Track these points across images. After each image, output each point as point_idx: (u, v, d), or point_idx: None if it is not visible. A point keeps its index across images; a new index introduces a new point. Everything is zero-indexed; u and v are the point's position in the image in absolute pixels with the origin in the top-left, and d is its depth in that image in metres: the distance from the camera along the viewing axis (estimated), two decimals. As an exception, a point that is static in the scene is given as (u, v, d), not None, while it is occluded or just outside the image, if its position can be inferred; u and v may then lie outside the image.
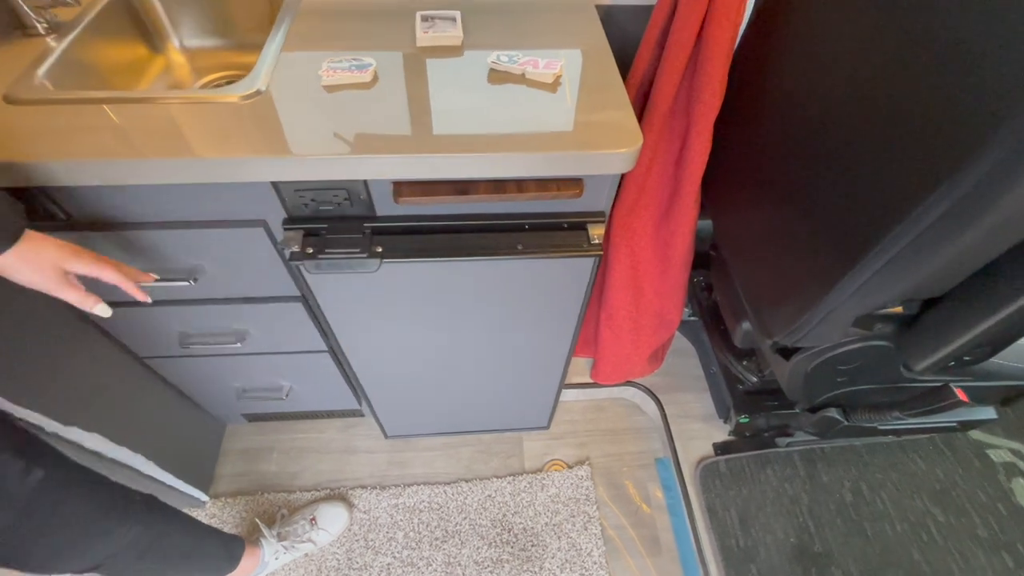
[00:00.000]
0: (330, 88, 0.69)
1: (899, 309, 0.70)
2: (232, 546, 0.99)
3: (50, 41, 0.74)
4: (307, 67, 0.71)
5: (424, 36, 0.76)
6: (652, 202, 1.01)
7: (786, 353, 0.92)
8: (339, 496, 1.23)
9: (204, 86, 0.93)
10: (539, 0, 0.88)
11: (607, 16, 1.01)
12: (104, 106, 0.65)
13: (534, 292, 0.82)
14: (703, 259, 1.26)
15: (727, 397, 1.22)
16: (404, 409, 1.19)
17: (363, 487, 1.26)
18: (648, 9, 1.00)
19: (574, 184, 0.68)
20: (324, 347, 0.99)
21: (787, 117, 0.77)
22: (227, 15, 0.92)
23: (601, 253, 0.71)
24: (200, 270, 0.77)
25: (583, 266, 0.76)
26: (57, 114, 0.63)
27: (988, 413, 1.00)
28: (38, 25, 0.74)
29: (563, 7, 0.87)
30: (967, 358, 0.65)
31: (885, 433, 1.21)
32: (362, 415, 1.36)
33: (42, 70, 0.69)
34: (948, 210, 0.51)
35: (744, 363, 1.21)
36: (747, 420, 1.19)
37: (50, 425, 0.78)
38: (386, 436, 1.32)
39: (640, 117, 0.91)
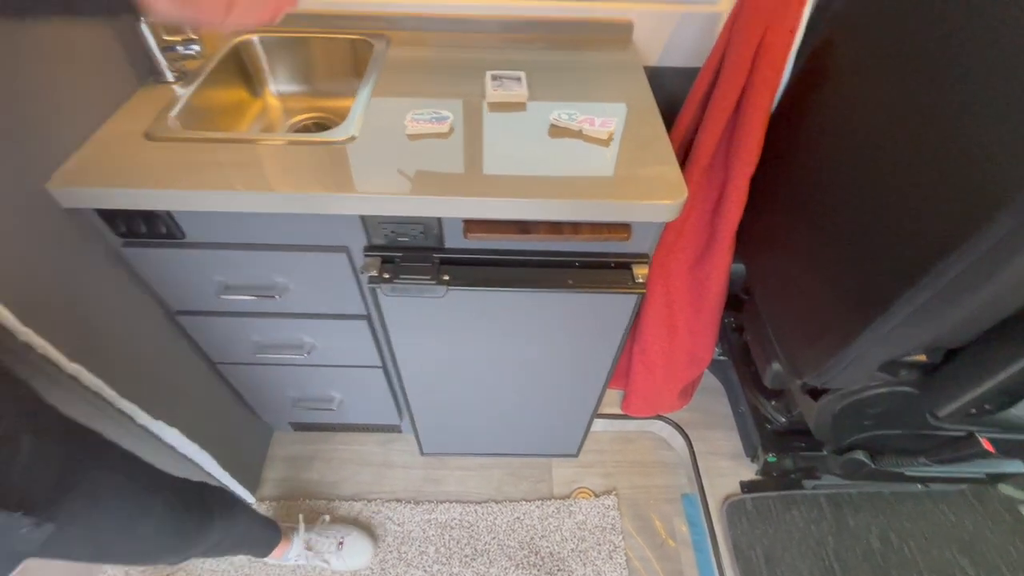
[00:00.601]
0: (413, 136, 0.80)
1: (923, 357, 0.75)
2: (274, 534, 1.09)
3: (177, 88, 0.88)
4: (393, 117, 0.82)
5: (494, 93, 0.87)
6: (689, 245, 1.08)
7: (815, 394, 0.96)
8: (369, 528, 1.27)
9: (293, 125, 1.06)
10: (594, 60, 0.99)
11: (654, 76, 1.11)
12: (224, 145, 0.77)
13: (579, 323, 0.89)
14: (734, 301, 1.32)
15: (755, 436, 1.26)
16: (443, 427, 1.26)
17: (398, 500, 1.32)
18: (687, 71, 1.11)
19: (623, 229, 0.76)
20: (379, 363, 1.08)
21: (820, 174, 0.85)
22: (315, 65, 1.06)
23: (644, 291, 0.79)
24: (284, 287, 0.88)
25: (626, 302, 0.83)
26: (186, 151, 0.75)
27: (1017, 466, 1.01)
28: (169, 74, 0.88)
29: (615, 66, 0.97)
30: (987, 406, 0.69)
31: (913, 481, 1.22)
32: (400, 431, 1.44)
33: (174, 112, 0.82)
34: (966, 268, 0.57)
35: (773, 403, 1.25)
36: (775, 460, 1.22)
37: (141, 417, 0.88)
38: (422, 453, 1.39)
39: (681, 168, 1.00)
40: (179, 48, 0.87)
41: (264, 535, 1.07)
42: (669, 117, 1.02)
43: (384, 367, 1.09)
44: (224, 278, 0.86)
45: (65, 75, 0.73)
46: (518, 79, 0.90)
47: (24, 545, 0.52)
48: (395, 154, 0.76)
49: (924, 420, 0.82)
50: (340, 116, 0.88)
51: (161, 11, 0.44)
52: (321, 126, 1.06)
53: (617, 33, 1.05)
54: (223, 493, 0.88)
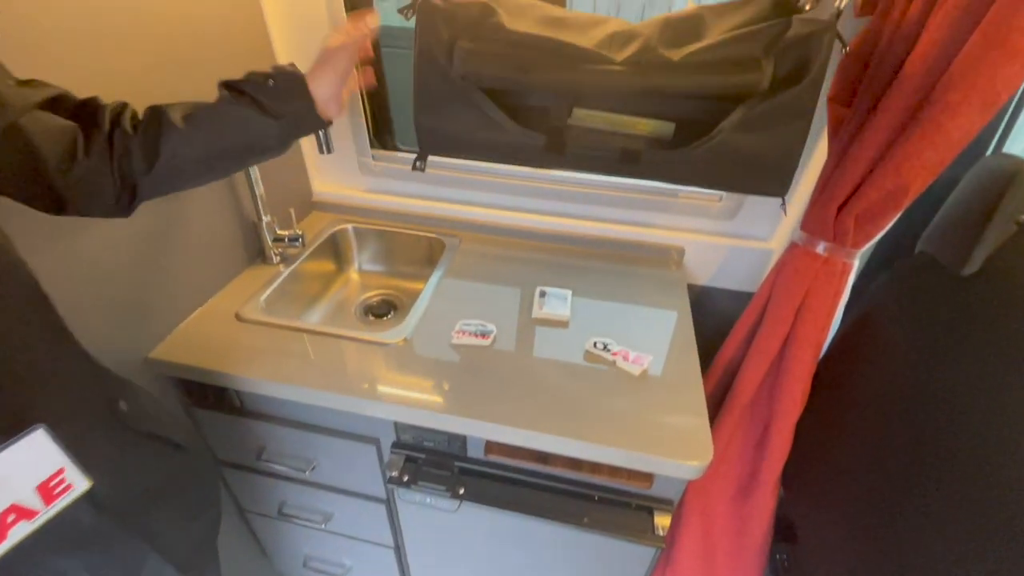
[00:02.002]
0: (457, 347, 0.86)
1: None
2: None
3: (281, 268, 1.04)
4: (444, 323, 0.91)
5: (540, 310, 0.94)
6: (731, 472, 1.02)
7: None
8: None
9: (366, 299, 1.19)
10: (643, 278, 1.04)
11: (703, 295, 1.15)
12: (294, 334, 0.88)
13: (592, 563, 0.84)
14: (787, 532, 1.17)
15: None
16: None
17: None
18: (738, 294, 1.13)
19: (644, 477, 0.74)
20: (392, 544, 1.06)
21: (867, 432, 0.79)
22: (395, 253, 1.21)
23: (663, 546, 0.74)
24: (317, 462, 0.92)
25: (643, 554, 0.78)
26: (263, 336, 0.87)
27: None
28: (275, 257, 1.05)
29: (662, 285, 1.02)
30: None
31: None
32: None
33: (264, 296, 0.96)
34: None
35: None
36: None
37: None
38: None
39: (722, 399, 0.98)
40: (286, 240, 1.04)
41: None
42: (715, 338, 1.04)
43: (397, 549, 1.07)
44: (266, 444, 0.93)
45: (196, 255, 0.90)
46: (564, 299, 0.97)
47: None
48: (439, 363, 0.83)
49: None
50: (408, 296, 1.04)
51: (337, 116, 0.63)
52: (388, 303, 1.18)
53: (669, 255, 1.11)
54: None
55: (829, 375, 0.90)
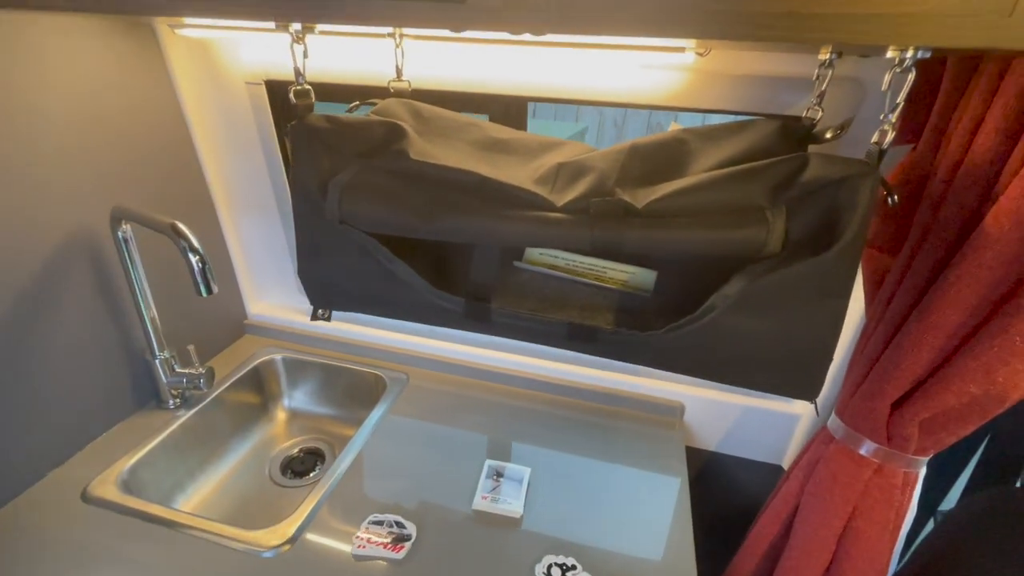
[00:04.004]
0: (358, 560, 0.62)
1: None
2: None
3: (179, 413, 0.84)
4: (353, 511, 0.67)
5: (482, 501, 0.70)
6: None
7: None
8: None
9: (291, 446, 0.96)
10: (629, 444, 0.80)
11: (711, 461, 0.90)
12: (150, 527, 0.65)
13: None
14: None
15: None
16: None
17: None
18: (754, 464, 0.88)
19: None
20: None
21: None
22: (330, 389, 1.00)
23: None
24: None
25: None
26: (110, 526, 0.65)
27: None
28: (171, 400, 0.85)
29: (654, 457, 0.77)
30: None
31: None
32: None
33: (132, 463, 0.74)
34: None
35: None
36: None
37: None
38: None
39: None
40: (184, 380, 0.84)
41: None
42: (726, 514, 0.77)
43: None
44: None
45: (53, 402, 0.70)
46: (519, 482, 0.73)
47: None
48: (321, 591, 0.58)
49: None
50: (339, 443, 0.90)
51: None
52: (315, 454, 0.95)
53: (664, 412, 0.88)
54: None
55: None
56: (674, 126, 0.66)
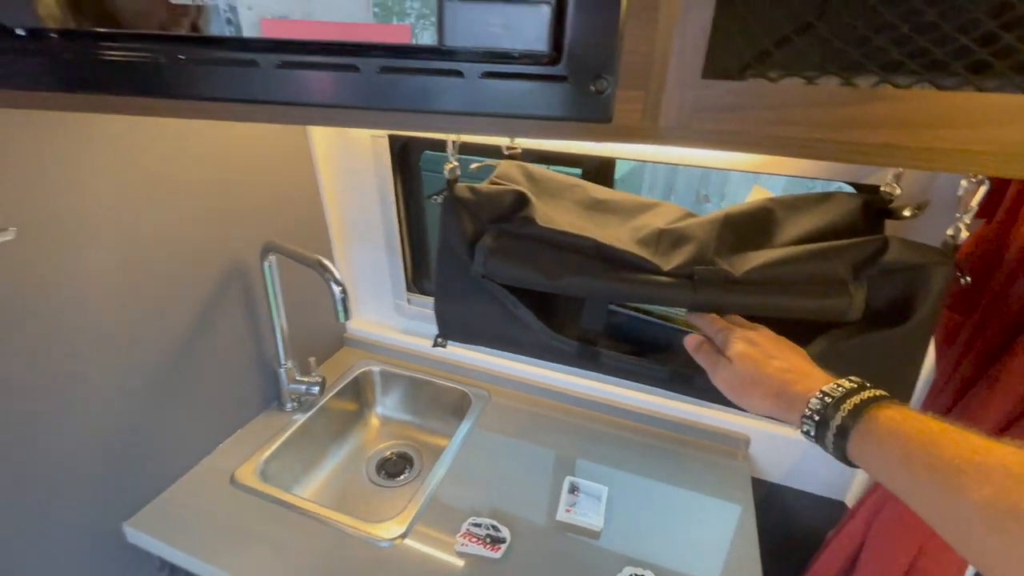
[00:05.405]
0: (461, 555, 0.72)
1: None
2: None
3: (295, 417, 0.97)
4: (453, 515, 0.78)
5: (566, 513, 0.78)
6: None
7: None
8: None
9: (380, 451, 1.08)
10: (699, 473, 0.87)
11: (771, 493, 0.95)
12: (285, 511, 0.77)
13: None
14: None
15: None
16: None
17: None
18: (816, 499, 0.92)
19: None
20: None
21: None
22: (420, 401, 1.12)
23: None
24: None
25: None
26: (252, 509, 0.78)
27: None
28: (289, 403, 0.99)
29: (721, 485, 0.84)
30: None
31: None
32: None
33: (267, 455, 0.88)
34: None
35: None
36: None
37: None
38: None
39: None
40: (304, 387, 0.98)
41: None
42: (787, 545, 0.83)
43: None
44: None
45: (207, 402, 0.84)
46: (598, 500, 0.81)
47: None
48: (433, 580, 0.69)
49: None
50: (427, 451, 1.02)
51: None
52: (405, 458, 1.06)
53: (731, 444, 0.94)
54: None
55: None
56: (756, 189, 0.73)
